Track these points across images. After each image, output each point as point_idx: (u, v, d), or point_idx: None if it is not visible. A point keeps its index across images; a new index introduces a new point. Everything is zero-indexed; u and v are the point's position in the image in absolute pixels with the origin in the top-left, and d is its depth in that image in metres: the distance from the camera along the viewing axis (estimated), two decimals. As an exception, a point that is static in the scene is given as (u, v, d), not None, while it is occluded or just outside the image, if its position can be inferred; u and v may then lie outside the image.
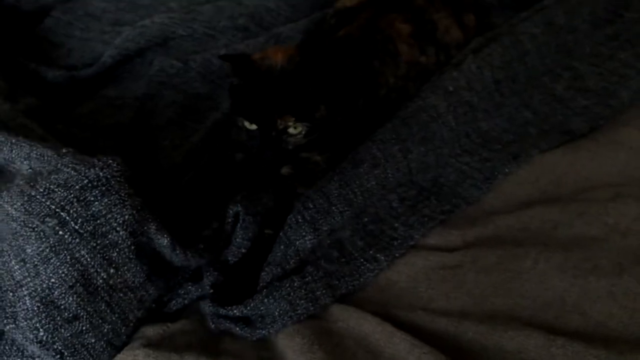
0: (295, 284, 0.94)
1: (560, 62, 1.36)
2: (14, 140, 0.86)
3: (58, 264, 0.79)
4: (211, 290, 0.94)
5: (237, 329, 0.92)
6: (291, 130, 0.98)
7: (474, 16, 1.43)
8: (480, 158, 1.15)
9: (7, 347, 0.83)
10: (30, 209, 0.78)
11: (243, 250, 0.99)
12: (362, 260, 1.00)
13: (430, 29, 1.31)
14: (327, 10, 1.49)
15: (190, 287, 0.95)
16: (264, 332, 0.91)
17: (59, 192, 0.79)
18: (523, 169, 1.12)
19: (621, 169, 1.11)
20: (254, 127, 0.98)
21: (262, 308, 0.92)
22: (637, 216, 1.01)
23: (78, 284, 0.80)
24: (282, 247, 1.00)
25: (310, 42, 1.33)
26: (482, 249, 0.98)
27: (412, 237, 1.02)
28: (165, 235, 0.85)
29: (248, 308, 0.92)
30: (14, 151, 0.85)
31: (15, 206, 0.79)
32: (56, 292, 0.79)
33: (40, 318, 0.79)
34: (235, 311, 0.92)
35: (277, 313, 0.92)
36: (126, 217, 0.81)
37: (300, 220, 1.02)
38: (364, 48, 1.21)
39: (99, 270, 0.81)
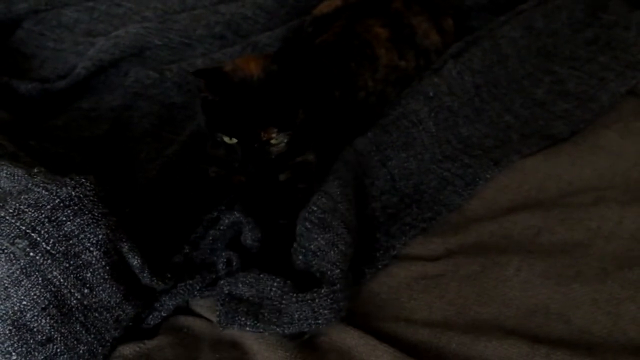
0: (323, 291, 0.89)
1: (540, 66, 1.37)
2: (-18, 160, 0.83)
3: (29, 285, 0.76)
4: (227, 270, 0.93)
5: (248, 323, 0.88)
6: (274, 141, 0.97)
7: (452, 20, 1.43)
8: (462, 164, 1.15)
9: (-21, 372, 0.81)
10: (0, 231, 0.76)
11: (254, 251, 0.97)
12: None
13: (409, 33, 1.31)
14: (305, 18, 1.47)
15: (165, 299, 0.92)
16: (277, 329, 0.87)
17: (30, 213, 0.76)
18: (505, 174, 1.12)
19: (602, 172, 1.12)
20: (234, 141, 0.96)
21: (283, 302, 0.89)
22: (619, 220, 1.01)
23: (51, 306, 0.77)
24: (300, 256, 0.96)
25: (287, 50, 1.32)
26: (464, 257, 0.98)
27: (393, 247, 1.01)
28: (136, 256, 0.83)
29: (283, 289, 0.89)
30: (-18, 171, 0.83)
31: (-17, 228, 0.76)
32: (28, 315, 0.77)
33: (12, 342, 0.77)
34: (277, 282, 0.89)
35: (296, 316, 0.88)
36: (100, 236, 0.79)
37: (309, 226, 0.97)
38: (341, 52, 1.21)
39: (72, 290, 0.78)
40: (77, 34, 1.56)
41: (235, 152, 0.97)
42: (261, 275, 0.90)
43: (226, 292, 0.91)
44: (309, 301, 0.87)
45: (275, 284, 0.89)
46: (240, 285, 0.90)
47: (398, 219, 1.06)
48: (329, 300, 0.87)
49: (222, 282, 0.92)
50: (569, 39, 1.42)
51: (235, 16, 1.53)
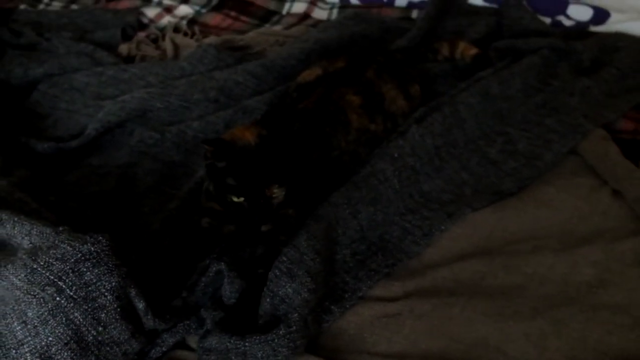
0: (281, 332, 1.03)
1: (495, 128, 1.52)
2: (16, 219, 1.01)
3: (55, 324, 0.93)
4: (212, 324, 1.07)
5: None
6: (276, 194, 1.12)
7: (419, 86, 1.59)
8: (421, 216, 1.29)
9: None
10: (32, 279, 0.93)
11: (232, 301, 1.11)
12: (319, 310, 1.12)
13: (379, 100, 1.46)
14: (290, 83, 1.63)
15: (166, 336, 1.07)
16: None
17: (57, 265, 0.94)
18: (458, 226, 1.27)
19: (542, 224, 1.27)
20: (241, 199, 1.10)
21: (247, 344, 1.03)
22: (551, 265, 1.18)
23: (72, 341, 0.94)
24: (268, 299, 1.10)
25: (272, 115, 1.49)
26: (419, 298, 1.13)
27: (360, 289, 1.16)
28: (141, 301, 1.00)
29: (246, 342, 1.02)
30: (16, 228, 1.01)
31: (19, 277, 0.94)
32: (53, 349, 0.93)
33: (40, 371, 0.94)
34: (236, 341, 1.03)
35: (260, 355, 1.02)
36: (113, 284, 0.97)
37: (278, 274, 1.12)
38: (318, 117, 1.36)
39: (90, 329, 0.95)
40: (87, 97, 1.72)
41: (243, 208, 1.12)
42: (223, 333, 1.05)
43: (200, 345, 1.06)
44: (270, 341, 1.01)
45: (233, 338, 1.04)
46: (210, 339, 1.05)
47: (365, 265, 1.21)
48: (286, 340, 1.01)
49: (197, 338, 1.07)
50: (522, 103, 1.58)
51: (228, 82, 1.69)
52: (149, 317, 1.02)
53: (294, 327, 1.03)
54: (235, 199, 1.10)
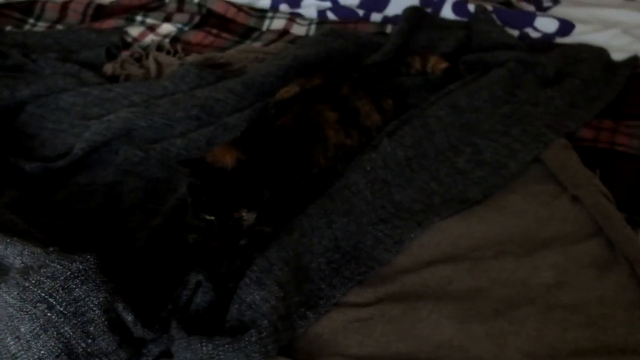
0: (253, 339, 1.09)
1: (463, 139, 1.59)
2: (8, 240, 1.09)
3: (47, 339, 1.00)
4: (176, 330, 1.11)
5: None
6: (245, 217, 1.19)
7: (392, 100, 1.67)
8: (393, 226, 1.36)
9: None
10: (24, 297, 1.00)
11: (200, 308, 1.16)
12: (295, 317, 1.18)
13: (354, 115, 1.54)
14: (269, 100, 1.70)
15: (152, 347, 1.13)
16: None
17: (48, 283, 1.01)
18: (426, 234, 1.34)
19: (505, 230, 1.34)
20: (212, 217, 1.17)
21: (221, 355, 1.07)
22: (513, 269, 1.25)
23: (63, 354, 1.01)
24: (236, 305, 1.16)
25: (251, 133, 1.56)
26: (389, 303, 1.20)
27: (334, 296, 1.22)
28: (130, 314, 1.06)
29: (215, 343, 1.07)
30: (8, 249, 1.08)
31: (12, 295, 1.01)
32: (45, 362, 1.01)
33: (32, 382, 1.01)
34: (210, 351, 1.07)
35: None
36: (101, 299, 1.04)
37: (248, 282, 1.18)
38: (297, 135, 1.43)
39: (79, 341, 1.02)
40: (74, 117, 1.77)
41: (214, 226, 1.18)
42: (191, 338, 1.08)
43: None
44: (243, 348, 1.07)
45: (204, 343, 1.07)
46: (181, 350, 1.09)
47: (339, 272, 1.27)
48: (257, 345, 1.07)
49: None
50: (489, 114, 1.65)
51: (209, 99, 1.75)
52: (138, 327, 1.08)
53: (264, 333, 1.09)
54: (207, 217, 1.17)
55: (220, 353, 1.07)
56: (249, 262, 1.22)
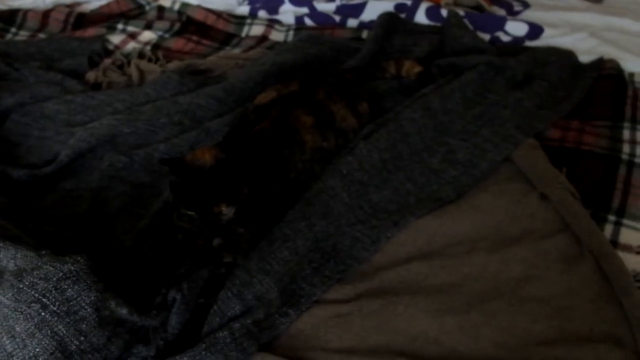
0: (227, 340, 1.15)
1: (436, 139, 1.65)
2: (1, 244, 1.13)
3: (41, 337, 1.05)
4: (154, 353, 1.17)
5: None
6: (224, 211, 1.23)
7: (367, 104, 1.73)
8: (370, 226, 1.41)
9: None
10: (19, 298, 1.05)
11: (176, 331, 1.20)
12: (277, 315, 1.23)
13: (330, 119, 1.59)
14: (248, 105, 1.76)
15: (141, 347, 1.17)
16: None
17: (41, 284, 1.06)
18: (403, 232, 1.40)
19: (477, 227, 1.41)
20: (192, 213, 1.22)
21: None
22: (485, 265, 1.32)
23: (57, 351, 1.05)
24: (217, 319, 1.21)
25: (231, 138, 1.60)
26: (368, 299, 1.26)
27: (315, 294, 1.27)
28: (124, 307, 1.11)
29: (190, 355, 1.12)
30: (1, 253, 1.12)
31: (7, 296, 1.05)
32: (40, 359, 1.05)
33: (28, 380, 1.05)
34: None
35: None
36: (92, 298, 1.09)
37: (229, 295, 1.23)
38: (275, 139, 1.48)
39: (72, 339, 1.06)
40: (58, 124, 1.80)
41: (195, 221, 1.23)
42: None
43: None
44: (220, 349, 1.13)
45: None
46: None
47: (320, 272, 1.32)
48: (233, 344, 1.14)
49: None
50: (461, 115, 1.72)
51: (191, 105, 1.80)
52: (134, 317, 1.13)
53: (237, 334, 1.16)
54: (188, 212, 1.21)
55: (197, 355, 1.13)
56: (218, 273, 1.28)
